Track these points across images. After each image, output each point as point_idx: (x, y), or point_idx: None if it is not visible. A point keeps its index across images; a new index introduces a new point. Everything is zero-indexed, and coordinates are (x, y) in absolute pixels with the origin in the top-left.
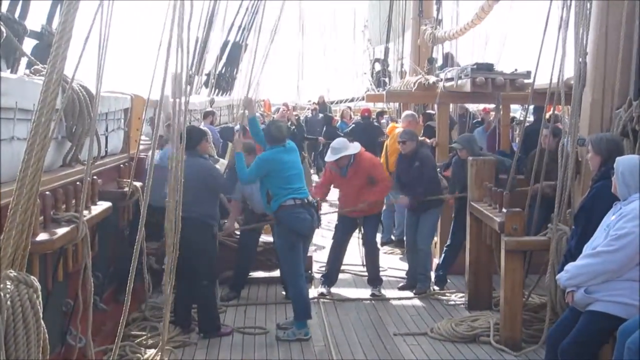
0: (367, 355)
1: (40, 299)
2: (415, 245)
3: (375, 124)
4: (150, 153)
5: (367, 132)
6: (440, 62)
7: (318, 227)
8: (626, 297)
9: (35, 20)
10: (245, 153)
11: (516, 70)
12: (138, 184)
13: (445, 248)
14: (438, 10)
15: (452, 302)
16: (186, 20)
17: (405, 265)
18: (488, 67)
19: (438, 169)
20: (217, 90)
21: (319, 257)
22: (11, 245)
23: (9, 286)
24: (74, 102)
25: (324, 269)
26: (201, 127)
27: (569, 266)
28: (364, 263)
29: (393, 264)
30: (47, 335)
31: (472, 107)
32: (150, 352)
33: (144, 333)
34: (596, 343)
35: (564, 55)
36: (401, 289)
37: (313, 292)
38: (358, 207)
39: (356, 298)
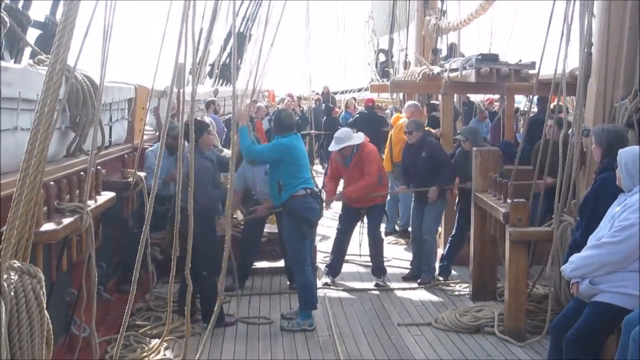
0: (372, 346)
1: (44, 289)
2: (420, 235)
3: (380, 114)
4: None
5: (371, 122)
6: (444, 52)
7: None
8: (631, 288)
9: (38, 10)
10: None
11: (520, 61)
12: (142, 174)
13: (449, 239)
14: (442, 0)
15: (457, 293)
16: (193, 14)
17: (409, 256)
18: (493, 58)
19: None
20: (221, 81)
21: (323, 247)
22: (15, 236)
23: (12, 277)
24: (77, 92)
25: (328, 259)
26: (205, 117)
27: (574, 257)
28: (364, 253)
29: (397, 254)
30: (51, 325)
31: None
32: (154, 341)
33: (148, 323)
34: (601, 334)
35: (568, 46)
36: (405, 279)
37: (317, 283)
38: (335, 197)
39: (360, 288)
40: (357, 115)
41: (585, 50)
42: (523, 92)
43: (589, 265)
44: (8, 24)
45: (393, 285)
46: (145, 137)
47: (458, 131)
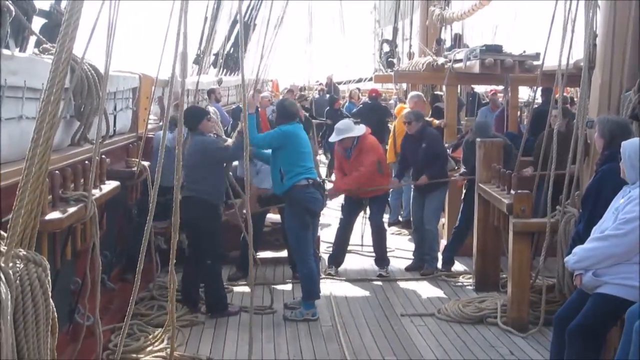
0: (375, 336)
1: (49, 277)
2: (421, 225)
3: (383, 104)
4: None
5: (375, 113)
6: (448, 43)
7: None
8: (635, 280)
9: None
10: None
11: (525, 52)
12: (146, 163)
13: (453, 229)
14: None
15: (460, 284)
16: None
17: (412, 246)
18: (497, 49)
19: (448, 150)
20: (225, 70)
21: (326, 237)
22: (20, 224)
23: (18, 265)
24: (82, 81)
25: (331, 249)
26: (208, 107)
27: (577, 249)
28: (366, 243)
29: (400, 244)
30: (55, 314)
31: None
32: (158, 330)
33: (151, 312)
34: (604, 326)
35: (572, 37)
36: (408, 269)
37: (320, 273)
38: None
39: (363, 279)
40: (361, 106)
41: (590, 41)
42: (527, 83)
43: (592, 257)
44: (13, 13)
45: (396, 275)
46: (149, 126)
47: (461, 121)
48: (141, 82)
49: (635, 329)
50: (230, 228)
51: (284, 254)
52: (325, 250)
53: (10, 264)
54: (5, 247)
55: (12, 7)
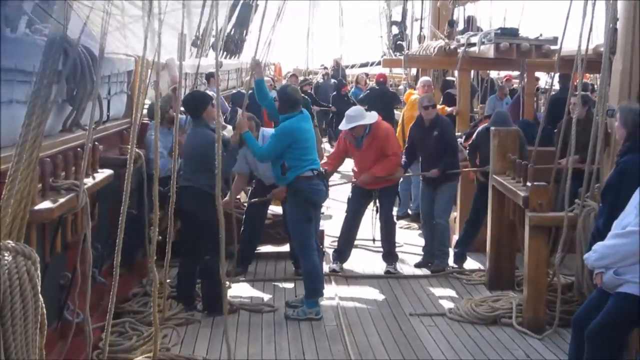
0: (382, 337)
1: (38, 271)
2: (431, 219)
3: (392, 90)
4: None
5: (383, 99)
6: (461, 26)
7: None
8: None
9: None
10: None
11: (541, 35)
12: (141, 151)
13: (465, 224)
14: None
15: (472, 281)
16: None
17: (422, 241)
18: (513, 32)
19: (460, 139)
20: (225, 53)
21: (331, 231)
22: (9, 214)
23: (6, 257)
24: (75, 63)
25: (335, 243)
26: (208, 91)
27: (598, 246)
28: (377, 238)
29: (410, 239)
30: (44, 310)
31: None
32: (151, 329)
33: (144, 309)
34: (625, 327)
35: (593, 20)
36: (417, 266)
37: (324, 269)
38: (359, 181)
39: (370, 275)
40: (368, 91)
41: (611, 26)
42: (544, 69)
43: (613, 254)
44: None
45: (405, 272)
46: (145, 111)
47: (474, 109)
48: (137, 64)
49: None
50: (229, 221)
51: (285, 248)
52: (329, 244)
53: None
54: None
55: None
